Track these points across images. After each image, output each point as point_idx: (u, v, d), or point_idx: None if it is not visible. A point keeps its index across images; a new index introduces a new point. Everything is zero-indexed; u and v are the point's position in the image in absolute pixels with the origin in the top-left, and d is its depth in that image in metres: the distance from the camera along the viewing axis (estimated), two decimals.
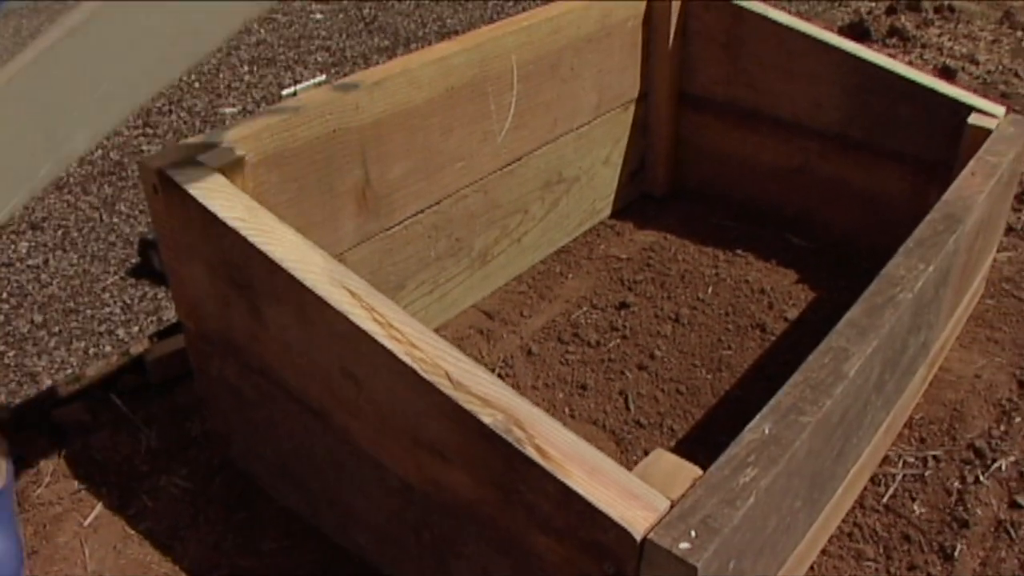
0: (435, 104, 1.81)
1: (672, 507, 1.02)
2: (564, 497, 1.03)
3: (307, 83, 1.68)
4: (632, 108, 2.37)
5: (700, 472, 1.09)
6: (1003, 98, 3.39)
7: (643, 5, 2.26)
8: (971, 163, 1.78)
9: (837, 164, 2.24)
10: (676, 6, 2.27)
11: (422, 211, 1.88)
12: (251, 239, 1.28)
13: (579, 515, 1.02)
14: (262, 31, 3.68)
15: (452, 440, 1.14)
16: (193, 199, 1.35)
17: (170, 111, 3.04)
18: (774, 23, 2.20)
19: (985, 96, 3.38)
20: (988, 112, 1.96)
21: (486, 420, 1.07)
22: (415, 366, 1.12)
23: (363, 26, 3.76)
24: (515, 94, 1.98)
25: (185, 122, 2.98)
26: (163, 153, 1.45)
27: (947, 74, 3.52)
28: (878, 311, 1.35)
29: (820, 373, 1.23)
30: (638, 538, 0.98)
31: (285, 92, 1.66)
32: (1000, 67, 3.63)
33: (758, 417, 1.16)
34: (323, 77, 1.71)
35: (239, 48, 3.48)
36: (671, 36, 2.30)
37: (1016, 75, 3.56)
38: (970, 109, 1.98)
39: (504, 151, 2.01)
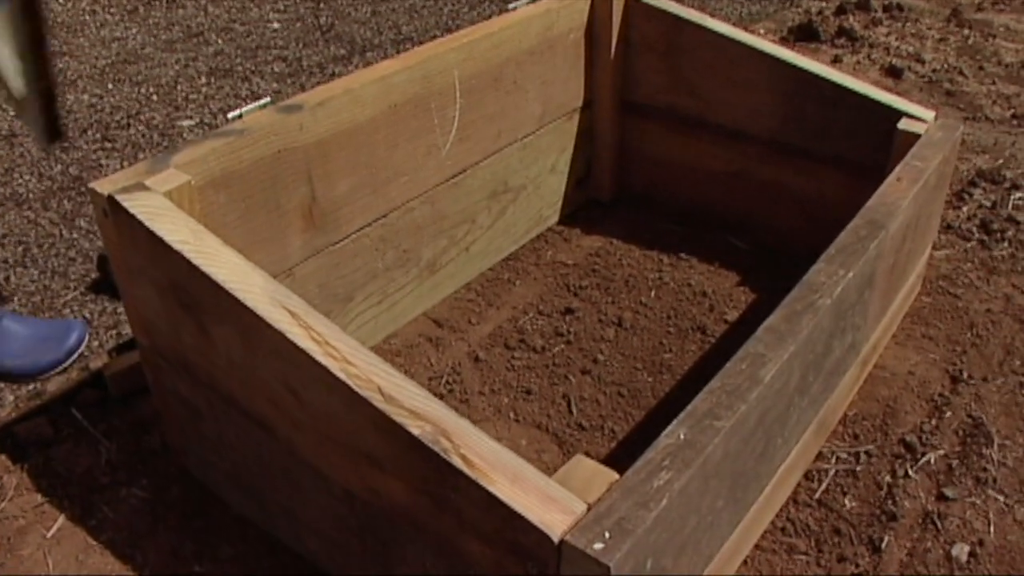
0: (379, 121, 1.87)
1: (589, 510, 1.09)
2: (489, 503, 1.09)
3: (252, 106, 1.73)
4: (577, 117, 2.43)
5: (617, 476, 1.16)
6: (947, 96, 3.48)
7: (585, 17, 2.33)
8: (897, 168, 1.86)
9: (776, 168, 2.31)
10: (617, 18, 2.34)
11: (369, 224, 1.94)
12: (195, 261, 1.34)
13: (503, 519, 1.09)
14: (220, 41, 3.72)
15: (386, 451, 1.21)
16: (140, 223, 1.40)
17: (128, 125, 3.08)
18: (711, 32, 2.27)
19: (931, 94, 3.49)
20: (918, 117, 2.04)
21: (415, 432, 1.14)
22: (349, 382, 1.19)
23: (320, 35, 3.81)
24: (458, 108, 2.05)
25: (143, 135, 3.02)
26: (112, 179, 1.50)
27: (894, 73, 3.60)
28: (796, 317, 1.42)
29: (736, 379, 1.30)
30: (556, 540, 1.05)
31: (231, 115, 1.71)
32: (945, 65, 3.72)
33: (674, 423, 1.23)
34: (268, 100, 1.77)
35: (196, 59, 3.52)
36: (613, 46, 2.37)
37: (961, 73, 3.65)
38: (901, 115, 2.05)
39: (449, 163, 2.08)
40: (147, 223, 1.40)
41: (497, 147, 2.20)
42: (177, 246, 1.36)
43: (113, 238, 1.50)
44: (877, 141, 2.11)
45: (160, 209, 1.43)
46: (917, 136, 1.99)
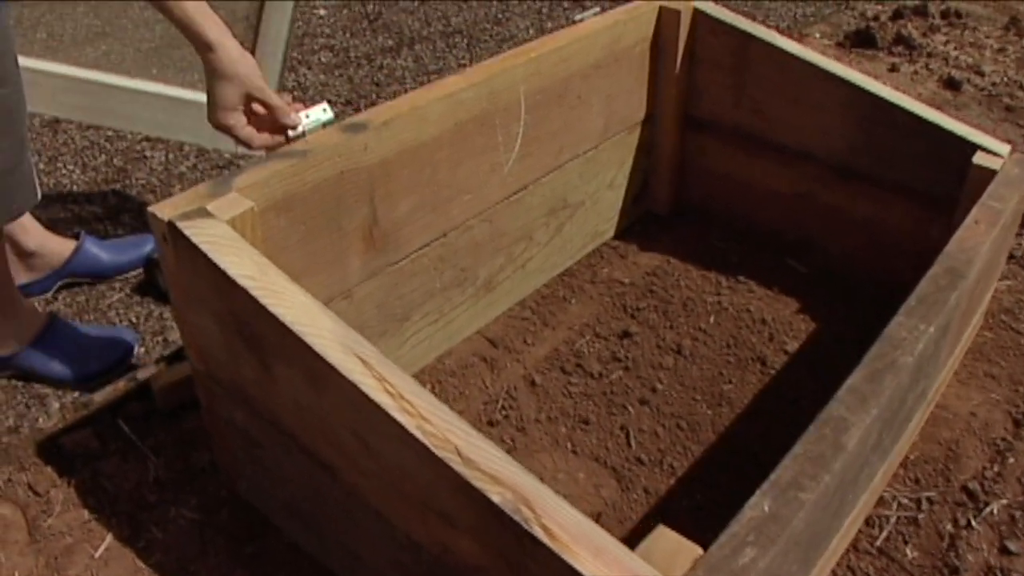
0: (443, 139, 1.82)
1: None
2: None
3: (314, 120, 1.69)
4: (637, 130, 2.38)
5: (700, 552, 1.11)
6: (1007, 111, 3.40)
7: (651, 29, 2.27)
8: (975, 210, 1.80)
9: (840, 193, 2.25)
10: (684, 31, 2.28)
11: (428, 244, 1.89)
12: (261, 300, 1.29)
13: None
14: None
15: (461, 511, 1.17)
16: (203, 254, 1.36)
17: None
18: (779, 50, 2.20)
19: (989, 108, 3.40)
20: (993, 151, 1.97)
21: (495, 499, 1.09)
22: (426, 440, 1.14)
23: (367, 24, 3.75)
24: (523, 124, 1.99)
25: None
26: (173, 202, 1.46)
27: (952, 85, 3.52)
28: (878, 377, 1.37)
29: (819, 446, 1.25)
30: None
31: (292, 134, 1.67)
32: (1005, 79, 3.63)
33: (758, 493, 1.18)
34: (331, 116, 1.72)
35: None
36: (678, 60, 2.31)
37: (1021, 87, 3.56)
38: (975, 147, 1.99)
39: (511, 180, 2.03)
40: (210, 254, 1.36)
41: (558, 163, 2.14)
42: (242, 281, 1.32)
43: (173, 264, 1.46)
44: (948, 172, 2.05)
45: (223, 239, 1.39)
46: (992, 172, 1.93)
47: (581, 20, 2.16)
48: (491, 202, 2.00)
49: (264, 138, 1.68)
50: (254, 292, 1.31)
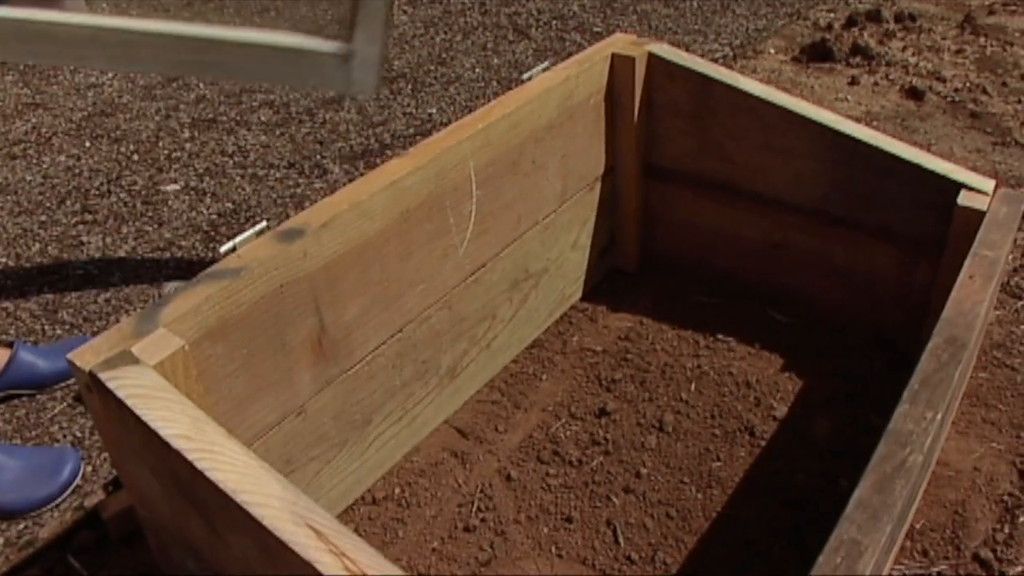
0: (390, 232, 1.68)
1: None
2: None
3: (247, 234, 1.54)
4: (598, 186, 2.25)
5: None
6: (972, 118, 3.30)
7: (604, 80, 2.14)
8: (968, 262, 1.67)
9: (819, 239, 2.13)
10: (640, 78, 2.15)
11: (384, 342, 1.75)
12: (198, 464, 1.15)
13: None
14: (201, 85, 3.51)
15: None
16: (131, 410, 1.21)
17: (109, 192, 2.87)
18: (743, 93, 2.08)
19: (955, 116, 3.30)
20: (978, 189, 1.86)
21: None
22: None
23: None
24: (475, 201, 1.86)
25: (126, 204, 2.82)
26: (95, 346, 1.31)
27: (915, 95, 3.42)
28: (888, 485, 1.24)
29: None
30: None
31: (223, 249, 1.52)
32: (967, 84, 3.53)
33: None
34: (263, 224, 1.58)
35: (178, 108, 3.32)
36: (636, 109, 2.18)
37: (984, 91, 3.47)
38: (958, 186, 1.87)
39: (467, 262, 1.89)
40: (137, 410, 1.21)
41: (517, 234, 2.01)
42: (176, 443, 1.17)
43: (101, 417, 1.31)
44: (932, 212, 1.94)
45: (152, 390, 1.24)
46: (979, 212, 1.81)
47: (530, 78, 2.03)
48: (448, 288, 1.86)
49: None
50: (190, 455, 1.16)
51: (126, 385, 1.24)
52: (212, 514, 1.21)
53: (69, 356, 1.30)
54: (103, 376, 1.25)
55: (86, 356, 1.29)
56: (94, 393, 1.29)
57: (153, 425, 1.19)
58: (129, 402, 1.22)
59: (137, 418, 1.21)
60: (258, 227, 1.54)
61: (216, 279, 1.43)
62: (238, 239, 1.51)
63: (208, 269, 1.46)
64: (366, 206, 1.62)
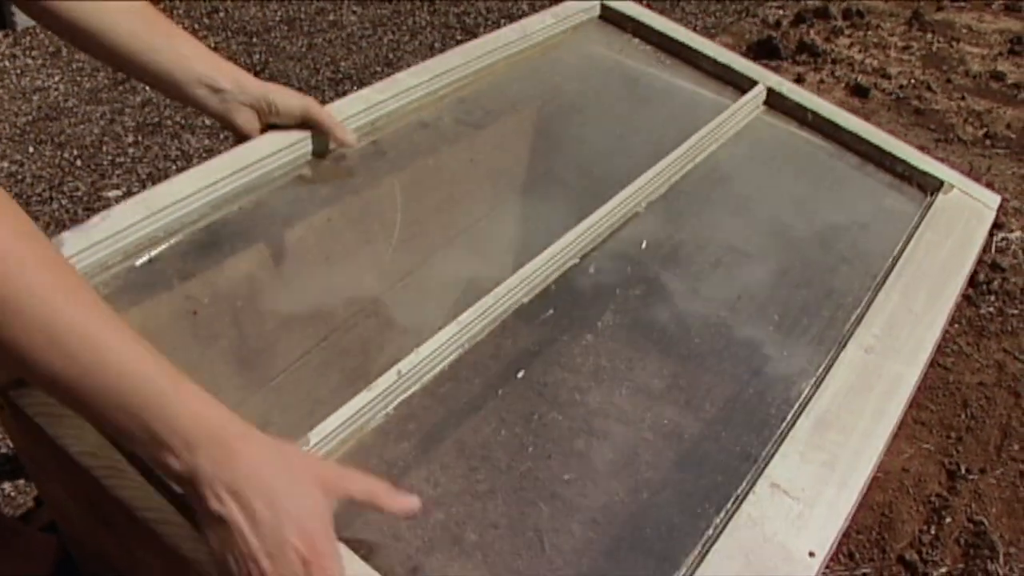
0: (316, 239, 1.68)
1: None
2: None
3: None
4: None
5: None
6: (916, 115, 3.34)
7: None
8: None
9: None
10: None
11: (308, 351, 1.75)
12: (104, 482, 1.15)
13: None
14: (147, 89, 3.49)
15: None
16: (41, 428, 1.21)
17: (51, 198, 2.85)
18: None
19: (899, 113, 3.34)
20: None
21: None
22: None
23: (253, 75, 3.58)
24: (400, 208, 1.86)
25: (67, 210, 2.81)
26: None
27: (859, 93, 3.45)
28: None
29: None
30: None
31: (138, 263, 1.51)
32: (912, 80, 3.57)
33: None
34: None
35: (123, 112, 3.30)
36: None
37: (929, 88, 3.50)
38: None
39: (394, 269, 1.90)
40: (47, 428, 1.21)
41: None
42: (83, 460, 1.17)
43: (13, 432, 1.31)
44: None
45: (62, 407, 1.24)
46: None
47: None
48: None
49: None
50: (96, 472, 1.16)
51: (35, 403, 1.24)
52: (122, 531, 1.21)
53: None
54: (13, 394, 1.25)
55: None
56: (6, 411, 1.28)
57: (60, 443, 1.19)
58: (38, 420, 1.22)
59: (47, 436, 1.21)
60: None
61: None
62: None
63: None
64: None
